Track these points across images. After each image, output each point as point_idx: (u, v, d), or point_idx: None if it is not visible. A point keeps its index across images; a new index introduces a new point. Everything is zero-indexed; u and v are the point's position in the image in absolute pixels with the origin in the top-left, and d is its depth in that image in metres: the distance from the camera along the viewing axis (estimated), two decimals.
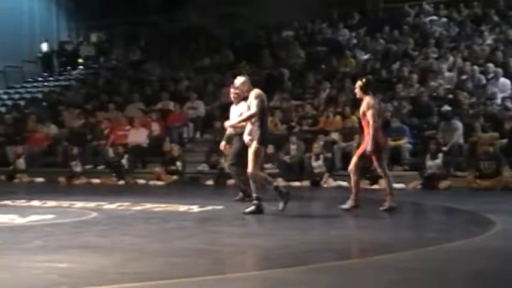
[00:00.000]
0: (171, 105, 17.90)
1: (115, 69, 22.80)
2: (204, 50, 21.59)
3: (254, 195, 8.36)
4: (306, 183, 13.71)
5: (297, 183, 13.46)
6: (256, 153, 8.16)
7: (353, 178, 8.54)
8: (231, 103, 10.08)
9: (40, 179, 15.89)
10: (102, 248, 5.97)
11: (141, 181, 14.95)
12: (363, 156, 8.45)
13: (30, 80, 24.39)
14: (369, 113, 8.27)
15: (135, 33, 24.15)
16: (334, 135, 14.76)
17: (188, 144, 16.90)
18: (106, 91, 20.44)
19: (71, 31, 26.26)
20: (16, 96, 22.78)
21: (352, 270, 5.15)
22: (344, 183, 12.45)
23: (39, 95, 22.31)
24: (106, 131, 17.04)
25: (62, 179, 15.54)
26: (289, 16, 21.20)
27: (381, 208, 8.53)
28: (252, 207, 8.30)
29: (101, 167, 16.17)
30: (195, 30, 22.18)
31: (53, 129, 18.06)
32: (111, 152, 16.19)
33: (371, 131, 8.23)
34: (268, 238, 6.65)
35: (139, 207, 9.36)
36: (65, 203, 9.81)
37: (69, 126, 18.12)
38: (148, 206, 9.55)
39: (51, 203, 9.90)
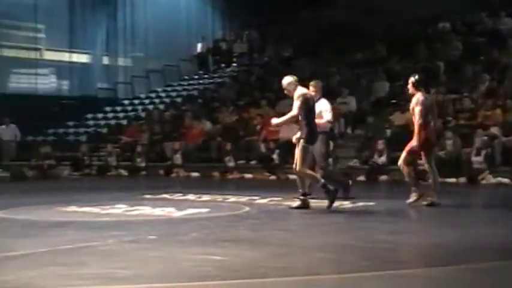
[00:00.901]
0: None
1: (267, 66, 23.16)
2: (356, 44, 21.36)
3: (300, 190, 8.62)
4: (463, 179, 13.18)
5: (452, 180, 12.98)
6: (304, 151, 8.59)
7: (405, 172, 8.71)
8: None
9: (195, 174, 16.47)
10: (255, 242, 6.06)
11: (293, 176, 15.03)
12: (413, 152, 8.64)
13: (186, 78, 25.40)
14: (417, 109, 8.51)
15: (286, 30, 24.38)
16: (494, 130, 14.09)
17: (339, 140, 16.80)
18: (258, 88, 20.80)
19: (225, 30, 27.03)
20: (173, 94, 23.79)
21: None
22: (505, 180, 11.84)
23: (195, 93, 23.16)
24: (258, 127, 17.35)
25: (215, 174, 16.02)
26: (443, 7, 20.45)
27: (423, 203, 8.52)
28: (298, 203, 8.57)
29: (253, 162, 16.49)
30: (346, 25, 21.98)
31: (208, 125, 18.66)
32: (263, 148, 16.46)
33: (416, 128, 8.51)
34: (421, 235, 6.45)
35: (290, 202, 9.42)
36: (219, 197, 10.09)
37: (222, 122, 18.64)
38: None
39: (205, 197, 10.23)
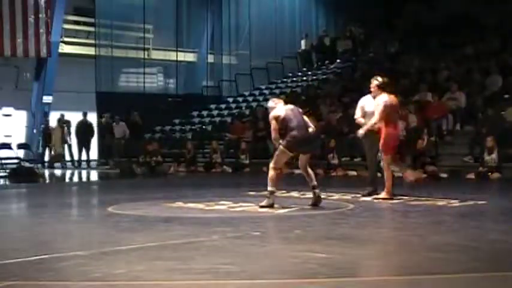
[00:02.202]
0: (429, 96, 17.44)
1: (372, 61, 22.84)
2: (466, 38, 20.68)
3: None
4: None
5: None
6: (281, 154, 8.39)
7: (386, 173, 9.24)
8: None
9: (298, 171, 16.42)
10: (360, 239, 5.98)
11: (398, 174, 14.75)
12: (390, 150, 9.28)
13: (290, 75, 25.46)
14: (378, 108, 9.08)
15: (393, 24, 23.96)
16: None
17: (447, 137, 16.33)
18: (363, 84, 20.55)
19: (329, 26, 26.88)
20: (277, 91, 23.89)
21: None
22: None
23: (298, 89, 23.17)
24: None
25: (319, 171, 15.95)
26: None
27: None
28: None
29: (357, 159, 16.30)
30: (456, 17, 21.31)
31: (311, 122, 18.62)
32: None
33: (369, 124, 9.25)
34: None
35: (396, 200, 9.25)
36: (323, 195, 10.02)
37: (326, 119, 18.54)
38: (405, 199, 9.41)
39: (309, 195, 10.18)
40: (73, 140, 21.39)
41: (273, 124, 8.46)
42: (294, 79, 24.92)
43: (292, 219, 7.53)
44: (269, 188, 8.27)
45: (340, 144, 16.57)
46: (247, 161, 17.65)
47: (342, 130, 17.37)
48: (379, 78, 9.40)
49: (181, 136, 21.33)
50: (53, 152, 20.76)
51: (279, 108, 8.60)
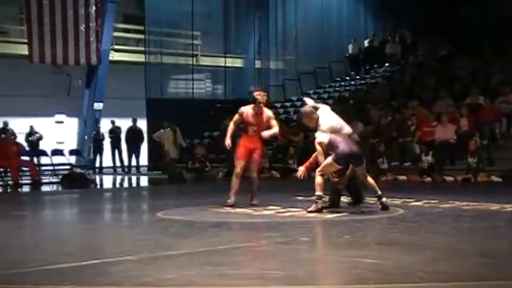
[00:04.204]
0: (481, 99, 17.16)
1: (421, 65, 22.58)
2: None
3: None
4: None
5: None
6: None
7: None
8: None
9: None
10: (411, 245, 5.92)
11: (449, 178, 14.60)
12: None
13: (338, 79, 25.35)
14: (274, 122, 9.31)
15: (443, 27, 23.64)
16: None
17: (501, 140, 16.05)
18: (412, 87, 20.34)
19: (377, 30, 26.68)
20: (325, 95, 23.83)
21: None
22: None
23: (346, 94, 23.06)
24: (412, 128, 16.96)
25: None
26: None
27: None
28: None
29: (407, 164, 16.14)
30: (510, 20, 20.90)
31: (360, 126, 18.50)
32: (417, 149, 16.08)
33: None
34: None
35: (447, 205, 9.14)
36: (372, 200, 9.93)
37: (375, 123, 18.41)
38: (457, 204, 9.28)
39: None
40: (123, 146, 21.73)
41: (318, 149, 8.45)
42: (342, 83, 24.82)
43: (341, 224, 7.50)
44: (317, 193, 8.27)
45: (389, 148, 16.43)
46: (295, 166, 17.64)
47: (392, 134, 17.22)
48: (266, 93, 9.63)
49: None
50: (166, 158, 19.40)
51: (320, 130, 8.53)
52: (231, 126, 9.54)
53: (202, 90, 25.58)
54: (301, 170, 8.69)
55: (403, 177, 15.37)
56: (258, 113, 9.25)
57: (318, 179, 8.29)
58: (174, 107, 21.79)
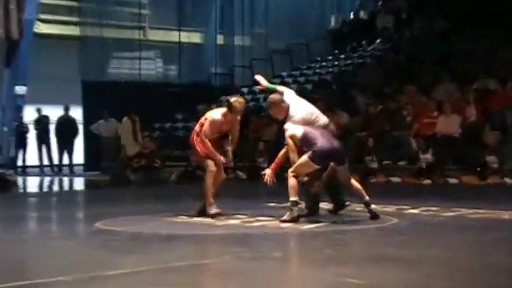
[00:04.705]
0: (491, 84, 17.37)
1: (419, 41, 22.76)
2: None
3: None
4: None
5: None
6: None
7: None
8: None
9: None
10: (403, 261, 6.00)
11: (453, 180, 14.78)
12: None
13: (318, 59, 25.40)
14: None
15: None
16: None
17: None
18: (408, 70, 20.50)
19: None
20: (302, 79, 23.87)
21: None
22: None
23: (329, 77, 23.13)
24: (408, 119, 17.10)
25: (354, 177, 15.93)
26: None
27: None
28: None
29: (401, 163, 16.27)
30: None
31: (344, 117, 18.58)
32: (414, 145, 16.22)
33: None
34: None
35: (450, 213, 9.26)
36: (359, 206, 10.03)
37: (363, 113, 18.52)
38: (462, 211, 9.41)
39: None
40: (52, 141, 21.55)
41: (290, 145, 8.47)
42: (323, 64, 24.88)
43: (321, 236, 7.57)
44: (291, 198, 8.31)
45: (380, 144, 16.55)
46: (265, 165, 17.68)
47: (383, 127, 17.34)
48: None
49: (185, 135, 21.40)
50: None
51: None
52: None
53: (152, 71, 25.46)
54: (267, 174, 8.68)
55: (397, 179, 15.50)
56: (229, 121, 9.16)
57: (292, 181, 8.29)
58: (116, 92, 21.64)
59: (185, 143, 10.11)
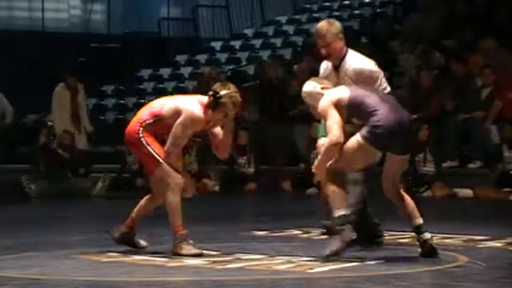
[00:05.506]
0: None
1: None
2: None
3: None
4: None
5: None
6: None
7: None
8: None
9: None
10: None
11: None
12: None
13: None
14: None
15: None
16: None
17: None
18: (485, 14, 20.66)
19: None
20: (306, 26, 24.00)
21: None
22: None
23: (355, 24, 23.26)
24: (485, 93, 17.19)
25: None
26: None
27: None
28: None
29: (473, 165, 16.40)
30: None
31: None
32: (495, 135, 16.30)
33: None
34: None
35: None
36: (403, 235, 10.03)
37: (410, 81, 18.69)
38: None
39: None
40: None
41: (333, 115, 8.34)
42: (346, 2, 25.04)
43: (343, 285, 7.52)
44: (337, 213, 8.26)
45: (438, 135, 16.63)
46: (251, 170, 17.71)
47: (443, 105, 17.42)
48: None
49: (117, 118, 21.42)
50: None
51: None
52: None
53: (64, 16, 25.54)
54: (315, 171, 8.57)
55: (467, 192, 15.59)
56: (209, 121, 9.01)
57: (332, 187, 8.26)
58: (6, 48, 21.69)
59: (118, 133, 10.14)
